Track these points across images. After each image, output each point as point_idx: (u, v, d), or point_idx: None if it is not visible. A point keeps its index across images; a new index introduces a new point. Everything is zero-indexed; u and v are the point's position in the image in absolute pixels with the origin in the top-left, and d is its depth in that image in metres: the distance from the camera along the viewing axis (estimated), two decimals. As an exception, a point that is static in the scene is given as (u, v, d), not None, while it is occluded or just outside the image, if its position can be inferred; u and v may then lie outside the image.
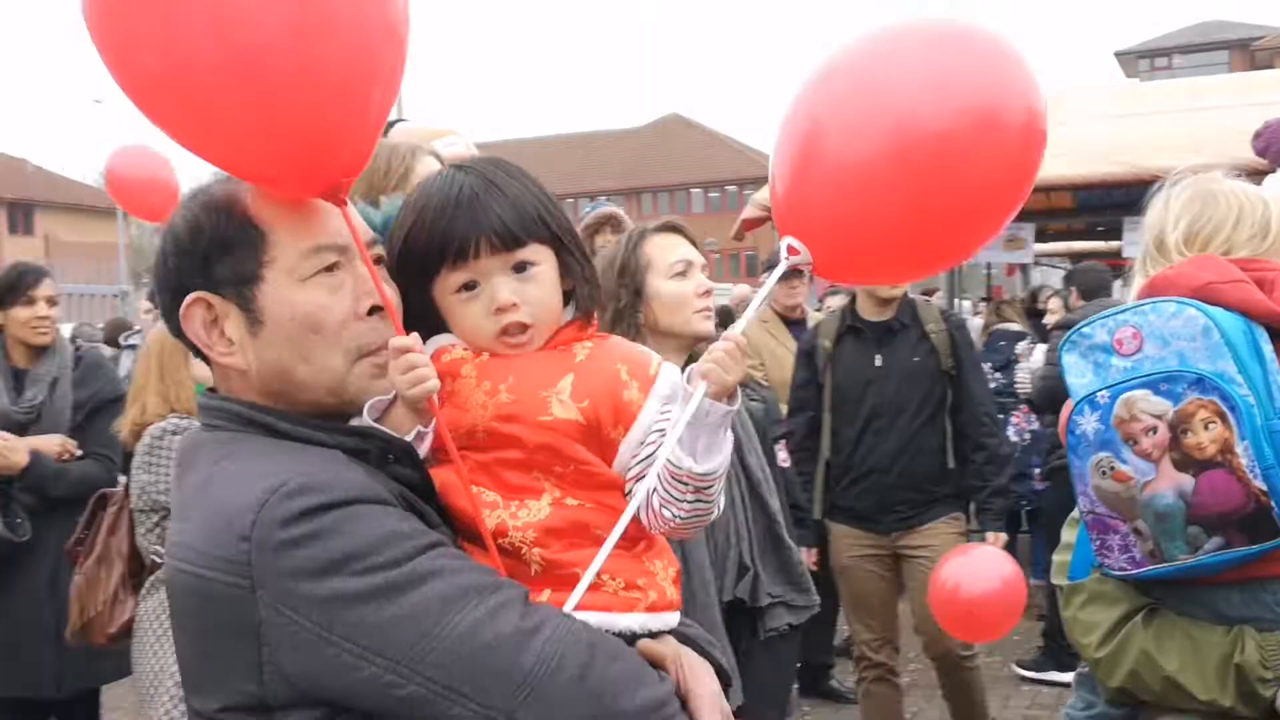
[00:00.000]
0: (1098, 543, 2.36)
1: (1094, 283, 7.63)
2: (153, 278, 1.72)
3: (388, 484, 1.57)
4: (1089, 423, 2.31)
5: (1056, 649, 7.22)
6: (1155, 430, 2.22)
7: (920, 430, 5.28)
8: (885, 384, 5.31)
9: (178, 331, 1.67)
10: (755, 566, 3.48)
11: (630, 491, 1.76)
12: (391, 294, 1.69)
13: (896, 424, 5.26)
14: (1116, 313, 2.34)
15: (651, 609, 1.74)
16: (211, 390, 1.74)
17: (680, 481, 1.70)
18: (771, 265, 6.80)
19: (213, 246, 1.62)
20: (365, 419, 1.66)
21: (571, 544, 1.70)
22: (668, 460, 1.69)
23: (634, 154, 64.05)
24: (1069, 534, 2.57)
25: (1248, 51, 51.16)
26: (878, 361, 5.36)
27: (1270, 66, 37.23)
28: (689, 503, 1.72)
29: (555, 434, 1.71)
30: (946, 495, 5.37)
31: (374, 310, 1.66)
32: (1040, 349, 8.23)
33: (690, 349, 3.31)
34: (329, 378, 1.63)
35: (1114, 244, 11.34)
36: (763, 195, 9.87)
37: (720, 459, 1.73)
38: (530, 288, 1.76)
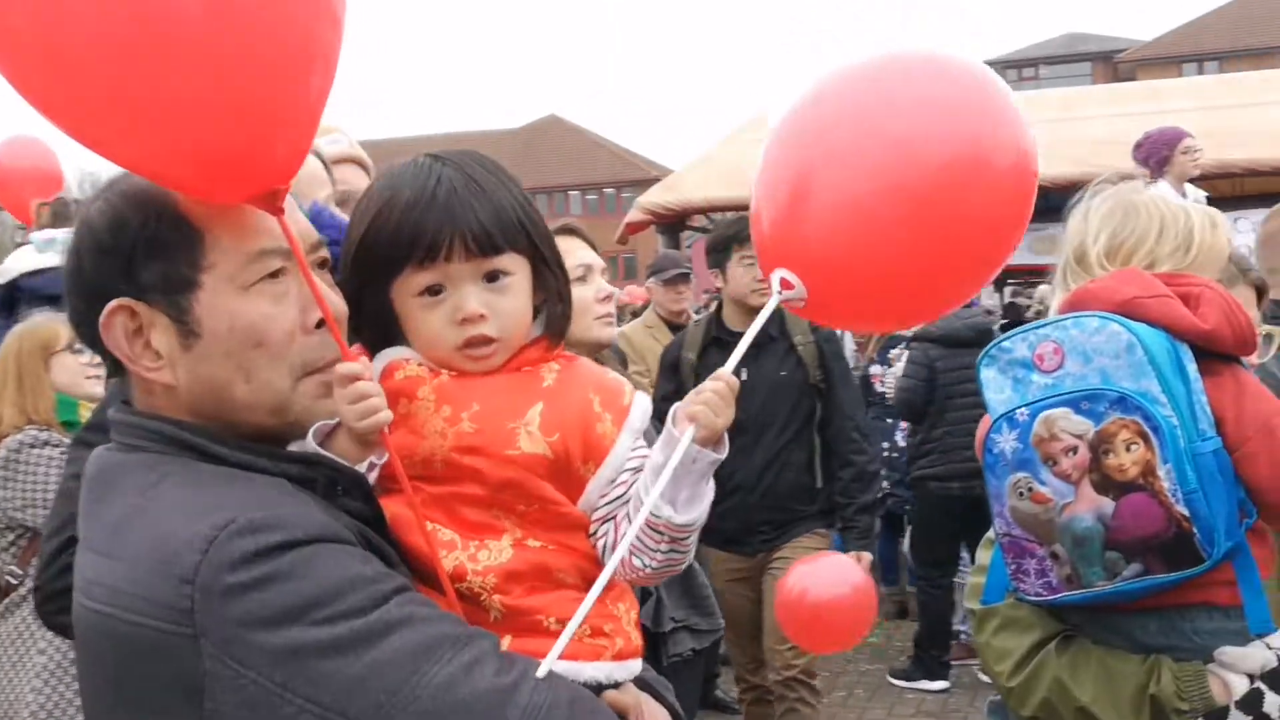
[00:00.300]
0: (1013, 566, 2.27)
1: None
2: (65, 278, 1.51)
3: (341, 518, 1.42)
4: (1007, 441, 2.21)
5: (927, 659, 7.29)
6: (1075, 450, 2.13)
7: (787, 446, 5.07)
8: (751, 398, 4.95)
9: (92, 341, 1.47)
10: (658, 590, 3.34)
11: (595, 534, 1.64)
12: (337, 303, 1.53)
13: (762, 440, 5.04)
14: (1037, 327, 2.25)
15: (618, 657, 1.63)
16: (126, 404, 1.54)
17: (656, 531, 1.58)
18: (659, 270, 6.62)
19: (140, 247, 1.43)
20: (310, 444, 1.51)
21: (533, 589, 1.57)
22: (642, 508, 1.55)
23: (511, 155, 63.05)
24: (984, 555, 2.47)
25: (1111, 63, 53.10)
26: (743, 375, 4.99)
27: (1132, 78, 38.70)
28: (662, 553, 1.61)
29: (522, 470, 1.57)
30: (813, 513, 5.16)
31: (323, 323, 1.51)
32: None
33: (592, 357, 3.15)
34: (271, 397, 1.48)
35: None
36: (647, 199, 9.80)
37: (702, 509, 1.60)
38: (501, 299, 1.62)
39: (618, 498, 1.63)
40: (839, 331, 5.86)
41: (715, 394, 1.56)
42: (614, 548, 1.60)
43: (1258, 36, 46.64)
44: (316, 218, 1.81)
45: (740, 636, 5.33)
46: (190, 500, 1.35)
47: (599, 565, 1.61)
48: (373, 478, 1.56)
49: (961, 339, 6.83)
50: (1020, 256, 6.57)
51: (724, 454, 1.59)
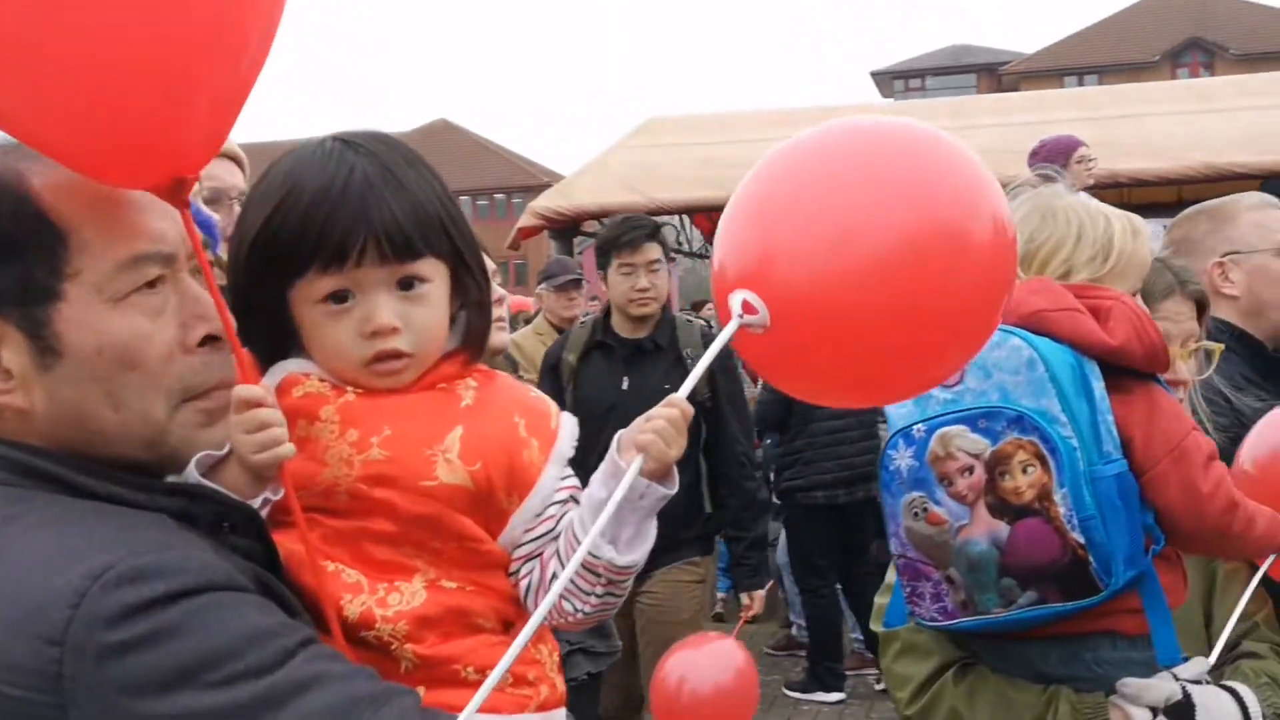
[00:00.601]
0: (909, 589, 2.16)
1: None
2: None
3: (232, 559, 1.24)
4: (903, 458, 2.10)
5: (821, 670, 7.26)
6: (971, 470, 2.03)
7: None
8: (630, 410, 4.55)
9: None
10: (552, 612, 3.17)
11: (518, 572, 1.49)
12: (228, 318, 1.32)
13: None
14: None
15: (542, 707, 1.48)
16: None
17: (593, 573, 1.43)
18: (550, 276, 6.38)
19: None
20: (192, 475, 1.32)
21: (447, 635, 1.40)
22: (576, 546, 1.40)
23: (402, 158, 62.88)
24: (891, 574, 2.36)
25: (995, 75, 54.27)
26: (624, 384, 4.69)
27: (1015, 89, 39.57)
28: (597, 597, 1.46)
29: (438, 504, 1.40)
30: (690, 539, 4.75)
31: (207, 340, 1.31)
32: None
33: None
34: (144, 427, 1.28)
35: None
36: (539, 203, 9.63)
37: (645, 550, 1.45)
38: (416, 310, 1.46)
39: (545, 533, 1.49)
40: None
41: (667, 421, 1.41)
42: (541, 588, 1.46)
43: (1136, 51, 48.12)
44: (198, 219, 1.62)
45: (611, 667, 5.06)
46: (53, 543, 1.15)
47: (518, 606, 1.47)
48: (265, 511, 1.38)
49: None
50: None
51: (674, 489, 1.45)
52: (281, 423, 1.32)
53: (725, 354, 4.89)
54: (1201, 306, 2.56)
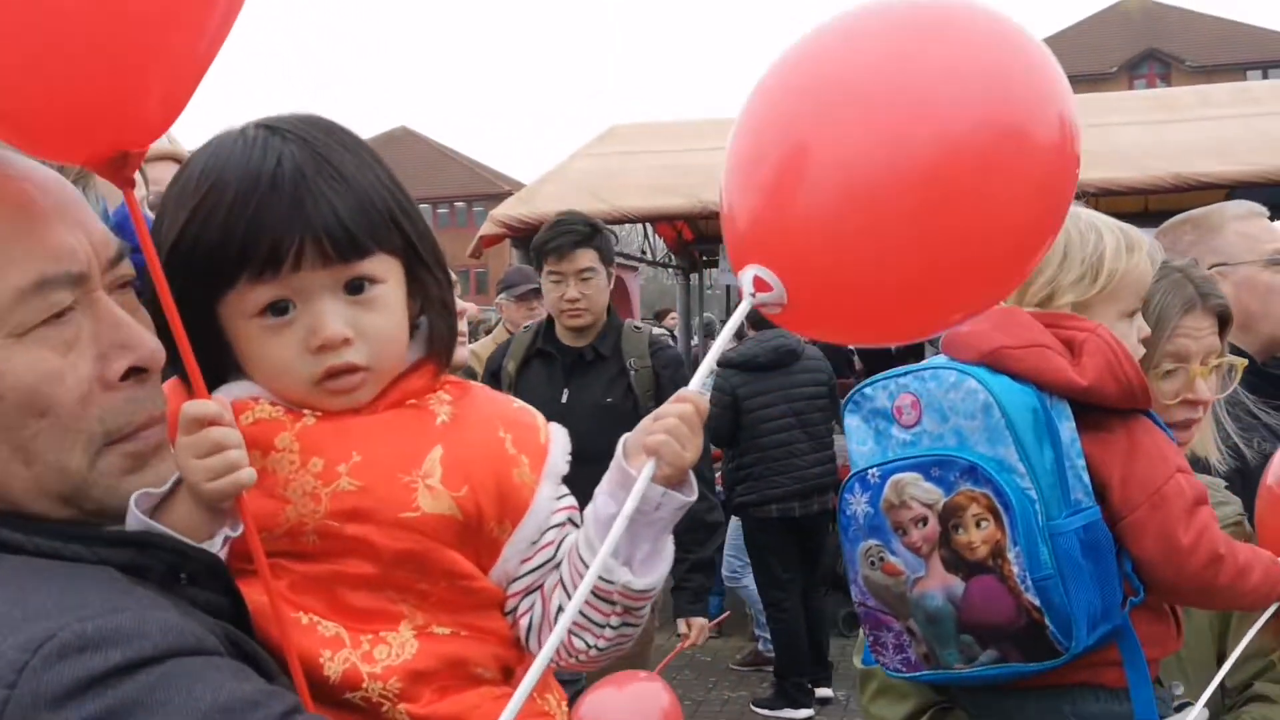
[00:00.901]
0: (871, 638, 2.03)
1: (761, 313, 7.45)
2: None
3: (195, 616, 1.06)
4: (859, 503, 1.97)
5: (789, 687, 7.14)
6: (925, 521, 1.90)
7: None
8: (570, 423, 4.31)
9: None
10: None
11: (515, 610, 1.31)
12: (151, 342, 1.15)
13: (580, 474, 4.41)
14: (899, 374, 1.98)
15: None
16: None
17: (606, 601, 1.26)
18: (510, 285, 6.06)
19: None
20: (136, 518, 1.13)
21: (445, 690, 1.23)
22: (584, 571, 1.22)
23: (360, 167, 62.24)
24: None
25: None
26: (564, 395, 4.40)
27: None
28: (613, 628, 1.29)
29: (423, 537, 1.23)
30: None
31: (130, 373, 1.12)
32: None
33: None
34: (61, 481, 1.09)
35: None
36: (501, 212, 9.49)
37: (663, 569, 1.29)
38: (369, 316, 1.28)
39: (544, 563, 1.32)
40: (684, 358, 5.40)
41: (679, 419, 1.24)
42: (544, 625, 1.29)
43: (1093, 63, 48.25)
44: (123, 225, 1.45)
45: None
46: None
47: (519, 650, 1.30)
48: (223, 554, 1.19)
49: (759, 364, 6.81)
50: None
51: (694, 496, 1.28)
52: (240, 444, 1.14)
53: (674, 365, 4.72)
54: (1224, 321, 2.35)
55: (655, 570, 1.29)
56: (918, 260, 1.31)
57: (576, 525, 1.36)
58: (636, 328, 4.86)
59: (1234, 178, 7.71)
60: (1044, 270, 2.01)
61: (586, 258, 4.40)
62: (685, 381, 4.64)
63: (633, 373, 4.40)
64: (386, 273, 1.30)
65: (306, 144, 1.26)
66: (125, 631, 0.96)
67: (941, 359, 2.01)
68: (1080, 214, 2.07)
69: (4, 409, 1.05)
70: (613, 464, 1.29)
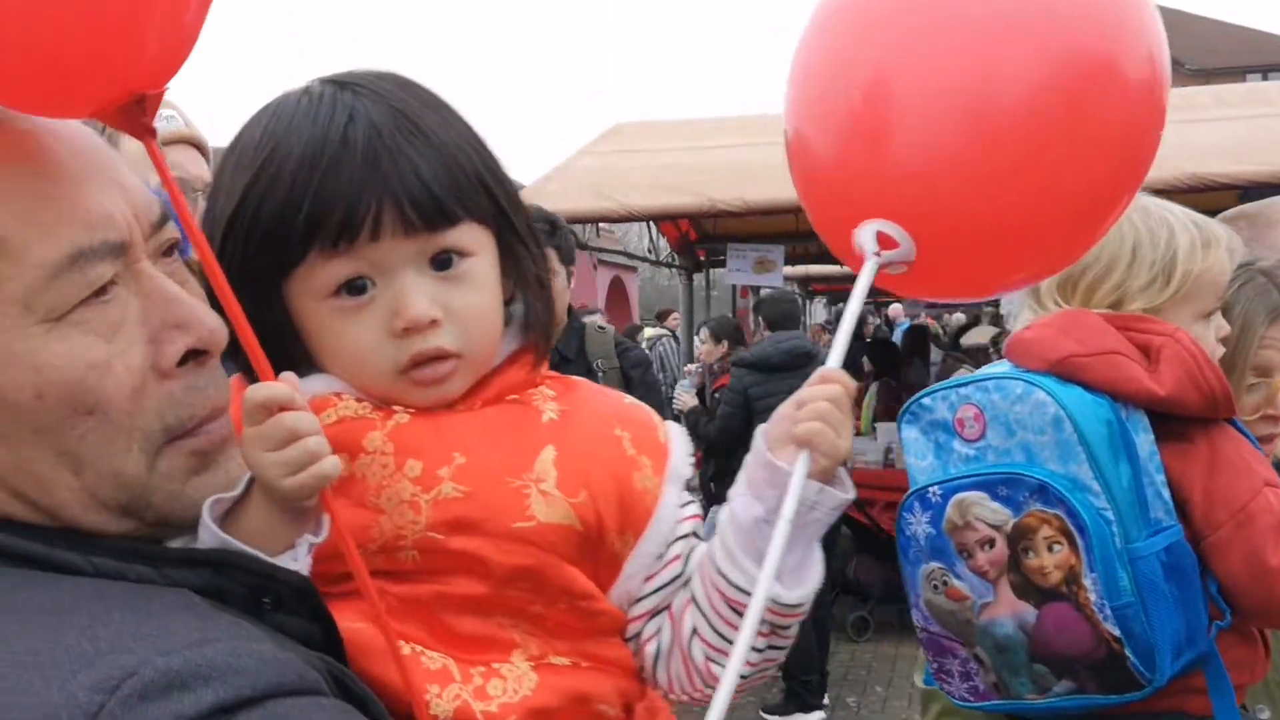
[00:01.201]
0: (935, 665, 1.90)
1: (780, 313, 7.30)
2: None
3: (288, 646, 0.88)
4: (919, 523, 1.83)
5: (798, 688, 6.98)
6: (992, 543, 1.76)
7: None
8: None
9: None
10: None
11: (639, 635, 1.15)
12: (213, 320, 0.97)
13: None
14: (960, 383, 1.85)
15: None
16: None
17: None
18: None
19: None
20: (211, 531, 0.95)
21: None
22: (725, 586, 1.08)
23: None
24: None
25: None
26: None
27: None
28: (758, 651, 1.12)
29: (539, 551, 1.06)
30: None
31: (190, 355, 0.94)
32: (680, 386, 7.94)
33: None
34: (116, 488, 0.91)
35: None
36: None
37: (815, 580, 1.12)
38: (459, 294, 1.10)
39: (672, 579, 1.16)
40: (653, 356, 5.14)
41: (830, 402, 1.08)
42: (673, 652, 1.13)
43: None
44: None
45: None
46: (40, 638, 0.79)
47: (639, 682, 1.14)
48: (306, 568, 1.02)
49: (772, 364, 6.65)
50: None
51: (851, 494, 1.12)
52: (318, 429, 0.96)
53: (643, 365, 4.54)
54: None
55: (806, 582, 1.13)
56: (1020, 204, 1.18)
57: (699, 537, 1.22)
58: (600, 328, 4.69)
59: (1249, 178, 7.63)
60: (1112, 271, 1.86)
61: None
62: (656, 382, 4.40)
63: (600, 374, 4.23)
64: (477, 245, 1.12)
65: (381, 98, 1.09)
66: (218, 667, 0.79)
67: (1003, 366, 1.87)
68: (1150, 207, 1.91)
69: (44, 409, 0.88)
70: (750, 460, 1.14)
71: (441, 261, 1.10)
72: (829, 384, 1.10)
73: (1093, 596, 1.68)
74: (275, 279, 1.08)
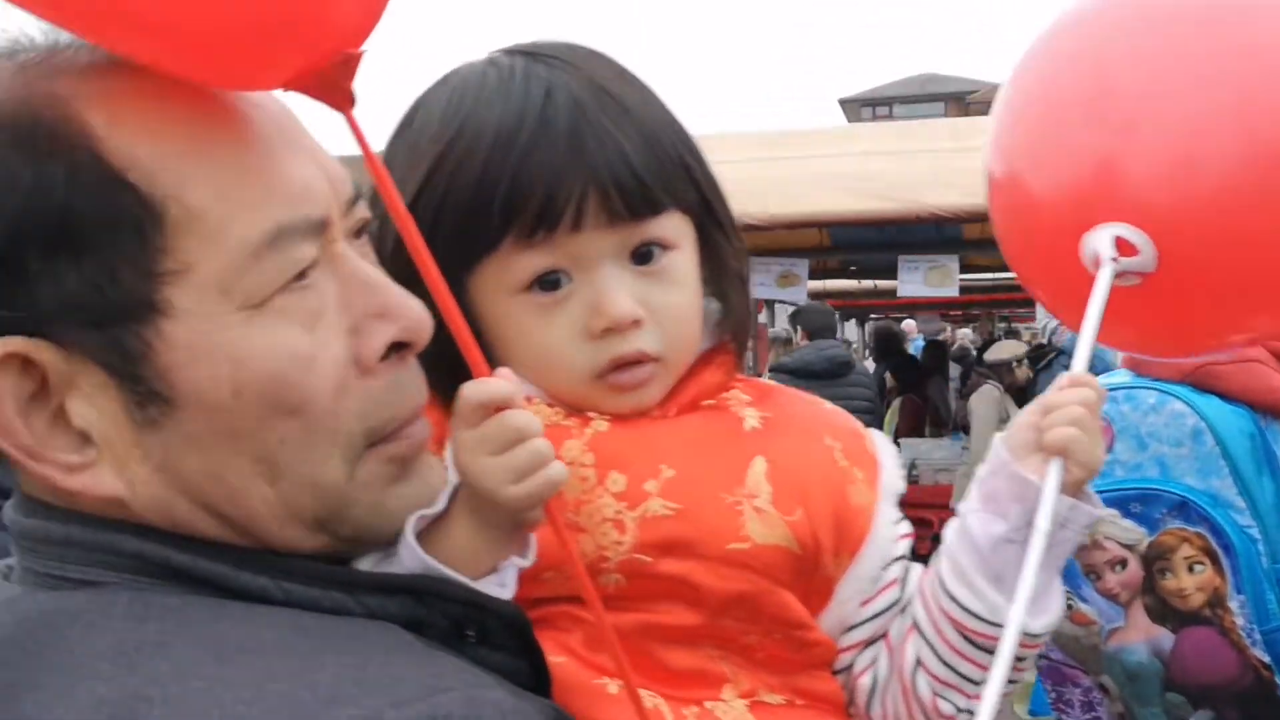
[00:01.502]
0: (1053, 695, 1.80)
1: (819, 323, 7.27)
2: None
3: (523, 696, 0.79)
4: None
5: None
6: (1124, 564, 1.66)
7: None
8: None
9: None
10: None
11: (851, 668, 1.04)
12: (418, 308, 0.86)
13: None
14: None
15: None
16: (35, 503, 0.81)
17: (985, 650, 0.98)
18: None
19: (36, 232, 0.72)
20: (413, 553, 0.85)
21: None
22: (958, 613, 0.98)
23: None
24: None
25: (963, 104, 54.50)
26: None
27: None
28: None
29: (755, 575, 0.96)
30: None
31: (392, 349, 0.83)
32: None
33: None
34: (314, 499, 0.81)
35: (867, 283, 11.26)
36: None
37: (1058, 608, 1.00)
38: (661, 291, 1.00)
39: (890, 605, 1.04)
40: None
41: (1084, 408, 0.98)
42: (895, 685, 1.02)
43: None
44: None
45: None
46: (248, 687, 0.68)
47: (834, 713, 1.02)
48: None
49: (814, 371, 6.61)
50: (914, 288, 6.03)
51: (1102, 510, 1.02)
52: (541, 430, 0.86)
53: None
54: None
55: (1050, 609, 1.01)
56: None
57: (910, 558, 1.11)
58: None
59: None
60: None
61: None
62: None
63: None
64: (679, 236, 1.02)
65: (580, 71, 0.99)
66: (482, 714, 0.69)
67: (1122, 376, 1.76)
68: None
69: (242, 409, 0.77)
70: (986, 472, 1.02)
71: (643, 255, 0.99)
72: (1083, 388, 0.99)
73: (1240, 620, 1.58)
74: (457, 272, 0.97)
